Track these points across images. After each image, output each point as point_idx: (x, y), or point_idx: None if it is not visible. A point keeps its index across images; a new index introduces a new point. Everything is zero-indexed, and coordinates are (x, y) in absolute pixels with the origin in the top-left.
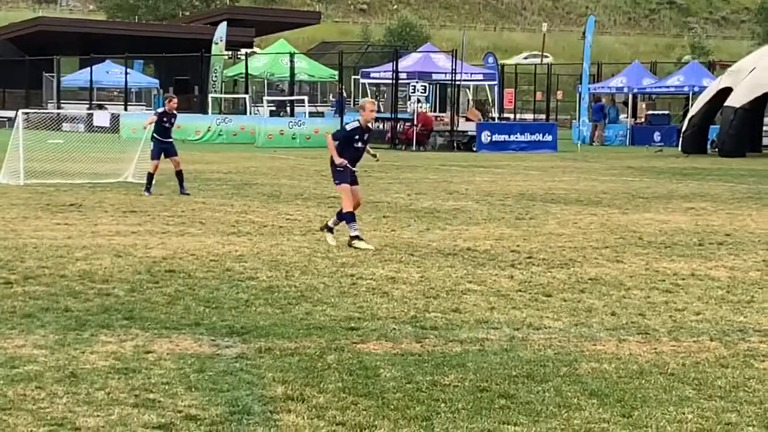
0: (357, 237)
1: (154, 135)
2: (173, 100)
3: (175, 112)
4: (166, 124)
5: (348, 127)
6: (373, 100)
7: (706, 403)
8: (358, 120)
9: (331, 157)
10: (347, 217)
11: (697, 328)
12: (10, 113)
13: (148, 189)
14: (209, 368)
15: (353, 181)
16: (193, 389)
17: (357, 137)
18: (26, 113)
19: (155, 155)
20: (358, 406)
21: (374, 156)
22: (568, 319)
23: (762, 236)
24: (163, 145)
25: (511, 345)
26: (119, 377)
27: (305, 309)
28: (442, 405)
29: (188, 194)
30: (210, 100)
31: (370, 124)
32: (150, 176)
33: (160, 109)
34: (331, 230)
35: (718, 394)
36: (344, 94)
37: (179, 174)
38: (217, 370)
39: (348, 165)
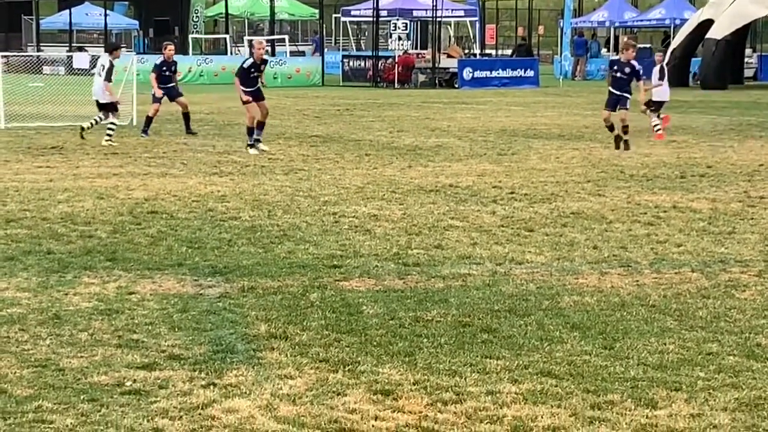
0: (252, 145)
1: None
2: (169, 47)
3: (174, 59)
4: (167, 73)
5: (245, 65)
6: (263, 39)
7: (687, 334)
8: (252, 56)
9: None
10: (249, 131)
11: (678, 260)
12: None
13: (145, 131)
14: (192, 308)
15: (258, 98)
16: (176, 329)
17: (253, 70)
18: (5, 57)
19: (157, 99)
20: (341, 343)
21: (263, 84)
22: (550, 253)
23: (743, 168)
24: (165, 90)
25: (494, 280)
26: (102, 318)
27: (288, 248)
28: (425, 340)
29: (195, 133)
30: (190, 40)
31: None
32: (149, 119)
33: (158, 60)
34: (252, 146)
35: (700, 324)
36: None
37: (186, 116)
38: (200, 310)
39: (250, 98)
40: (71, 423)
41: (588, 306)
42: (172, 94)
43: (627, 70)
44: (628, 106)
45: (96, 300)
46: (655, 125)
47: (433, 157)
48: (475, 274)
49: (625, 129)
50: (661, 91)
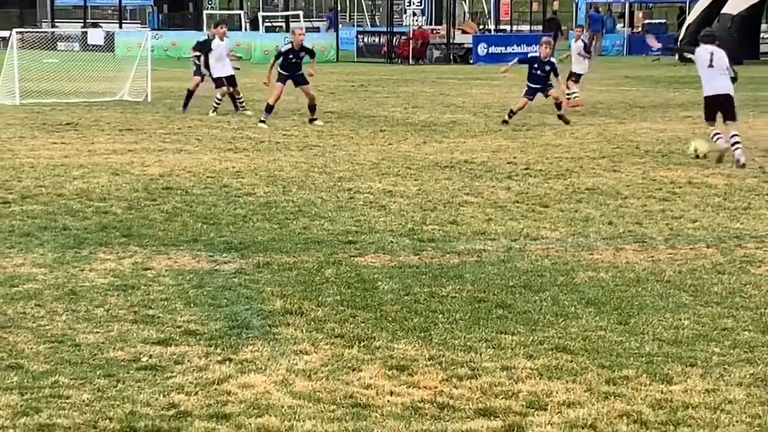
0: (264, 121)
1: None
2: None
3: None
4: (293, 60)
5: (283, 49)
6: (302, 27)
7: (702, 310)
8: (291, 42)
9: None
10: (268, 108)
11: (693, 236)
12: (5, 33)
13: (185, 106)
14: (208, 284)
15: (298, 82)
16: (191, 305)
17: (291, 56)
18: (20, 33)
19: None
20: (356, 319)
21: (310, 74)
22: (565, 229)
23: (759, 143)
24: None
25: (509, 256)
26: (118, 294)
27: (303, 224)
28: (440, 316)
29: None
30: (205, 16)
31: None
32: (189, 93)
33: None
34: (264, 122)
35: (715, 300)
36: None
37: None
38: (216, 286)
39: (280, 82)
40: (87, 398)
41: (603, 281)
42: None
43: (547, 68)
44: (552, 88)
45: (112, 276)
46: (572, 93)
47: (448, 133)
48: (490, 250)
49: (559, 104)
50: (583, 64)
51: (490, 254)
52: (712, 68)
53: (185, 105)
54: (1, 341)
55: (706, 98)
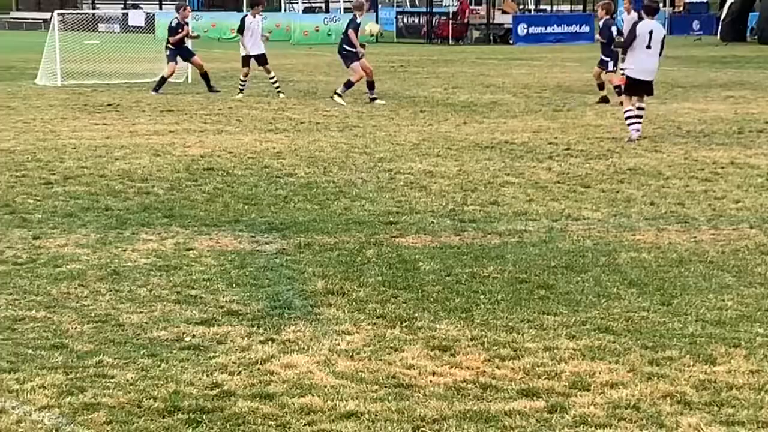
0: (339, 94)
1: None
2: (186, 9)
3: (187, 20)
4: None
5: (358, 21)
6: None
7: (745, 290)
8: (356, 15)
9: (345, 46)
10: (350, 85)
11: (736, 216)
12: (46, 15)
13: (156, 90)
14: (249, 264)
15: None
16: (234, 285)
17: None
18: (61, 14)
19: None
20: (398, 299)
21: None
22: (606, 209)
23: None
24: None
25: (550, 236)
26: (161, 274)
27: (344, 204)
28: (482, 296)
29: (218, 91)
30: None
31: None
32: (163, 79)
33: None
34: (339, 95)
35: (758, 281)
36: None
37: (205, 75)
38: (258, 266)
39: (363, 51)
40: (131, 377)
41: (645, 262)
42: (185, 55)
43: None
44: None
45: (154, 256)
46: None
47: (489, 114)
48: (532, 231)
49: (601, 85)
50: None
51: (531, 235)
52: (649, 49)
53: (156, 89)
54: (46, 321)
55: (633, 79)
